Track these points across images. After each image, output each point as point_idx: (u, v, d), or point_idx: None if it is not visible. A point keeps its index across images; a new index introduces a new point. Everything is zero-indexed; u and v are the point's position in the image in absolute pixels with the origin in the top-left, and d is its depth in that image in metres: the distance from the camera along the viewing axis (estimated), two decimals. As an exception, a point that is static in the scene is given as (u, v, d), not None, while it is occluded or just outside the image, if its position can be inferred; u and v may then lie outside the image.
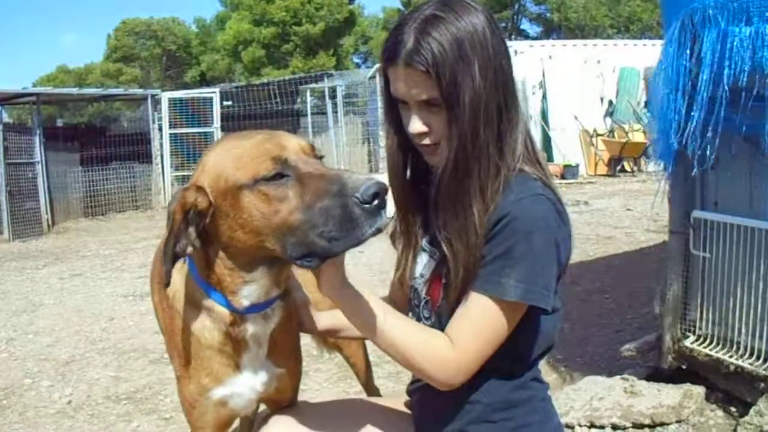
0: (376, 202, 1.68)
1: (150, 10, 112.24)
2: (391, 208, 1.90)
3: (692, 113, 3.43)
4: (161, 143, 18.22)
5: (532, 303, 1.90)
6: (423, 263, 2.19)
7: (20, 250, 13.13)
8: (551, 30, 46.00)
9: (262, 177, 1.78)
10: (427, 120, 1.97)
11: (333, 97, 19.36)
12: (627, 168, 18.95)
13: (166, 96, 18.32)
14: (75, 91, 20.33)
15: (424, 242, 2.19)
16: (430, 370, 1.94)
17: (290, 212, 1.76)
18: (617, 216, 11.70)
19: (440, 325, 2.03)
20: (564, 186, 15.74)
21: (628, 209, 12.31)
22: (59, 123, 20.42)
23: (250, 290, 1.94)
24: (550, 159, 17.37)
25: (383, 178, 1.83)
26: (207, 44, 45.38)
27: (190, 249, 1.87)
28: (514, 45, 19.01)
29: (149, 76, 43.04)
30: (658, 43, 4.98)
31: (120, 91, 22.63)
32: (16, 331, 6.92)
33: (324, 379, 5.15)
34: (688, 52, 3.45)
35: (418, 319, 2.16)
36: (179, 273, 2.04)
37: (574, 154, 18.11)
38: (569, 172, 16.79)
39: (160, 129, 18.21)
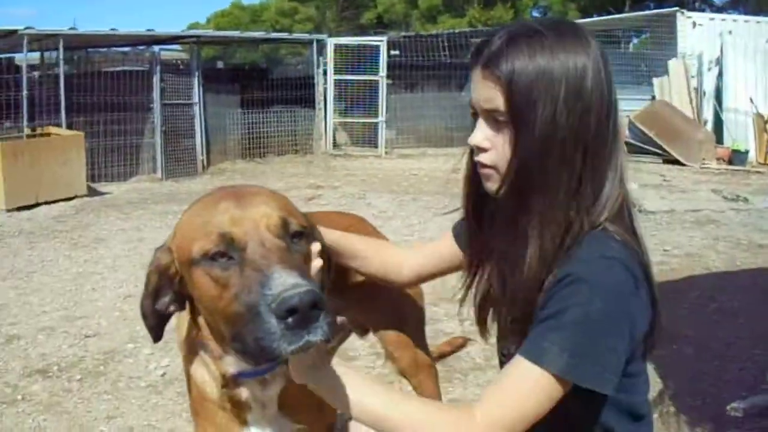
0: (290, 319, 1.46)
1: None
2: None
3: None
4: (325, 88, 17.91)
5: (575, 381, 1.67)
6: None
7: (170, 191, 13.10)
8: (738, 1, 43.08)
9: (205, 253, 1.64)
10: (492, 135, 1.82)
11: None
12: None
13: (332, 41, 17.98)
14: (236, 34, 20.36)
15: None
16: None
17: (229, 301, 1.59)
18: (781, 221, 10.25)
19: None
20: (729, 173, 14.53)
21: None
22: (219, 65, 20.34)
23: (231, 360, 1.83)
24: (719, 141, 16.10)
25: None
26: (385, -15, 44.80)
27: (172, 308, 1.80)
28: (693, 16, 17.68)
29: (325, 17, 43.06)
30: None
31: (284, 35, 22.29)
32: (137, 287, 6.57)
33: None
34: None
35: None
36: (188, 315, 1.93)
37: (746, 139, 16.74)
38: (737, 157, 15.47)
39: (325, 74, 17.88)
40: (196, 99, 15.51)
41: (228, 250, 1.62)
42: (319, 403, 1.99)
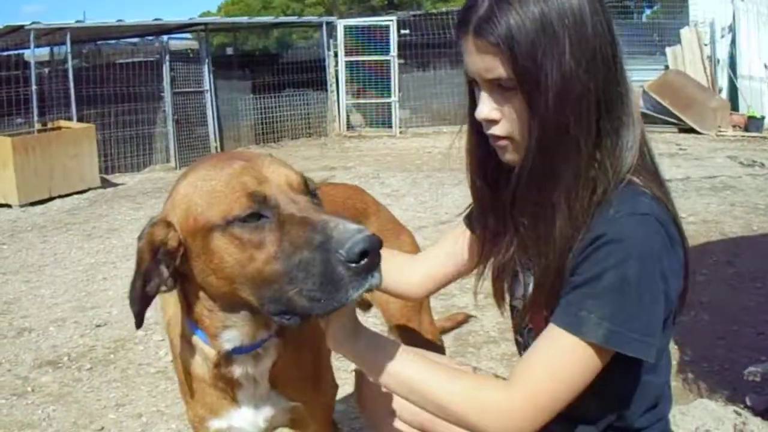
0: (363, 261, 1.45)
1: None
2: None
3: None
4: (336, 70, 17.82)
5: (618, 349, 1.60)
6: (525, 284, 1.92)
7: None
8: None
9: (235, 217, 1.58)
10: (500, 105, 1.70)
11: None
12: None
13: (341, 23, 17.85)
14: (245, 19, 20.20)
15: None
16: (484, 424, 1.65)
17: (266, 262, 1.55)
18: (798, 185, 10.10)
19: None
20: (745, 139, 14.35)
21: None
22: (228, 52, 20.29)
23: (231, 335, 1.78)
24: (735, 108, 15.85)
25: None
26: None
27: (164, 288, 1.70)
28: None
29: (335, 0, 42.98)
30: None
31: (293, 18, 22.14)
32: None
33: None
34: None
35: (526, 347, 1.85)
36: (174, 298, 1.88)
37: (762, 106, 16.52)
38: (753, 124, 15.25)
39: (336, 56, 17.79)
40: (207, 86, 15.50)
41: (261, 209, 1.57)
42: (312, 379, 2.03)
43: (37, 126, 12.07)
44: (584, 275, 1.62)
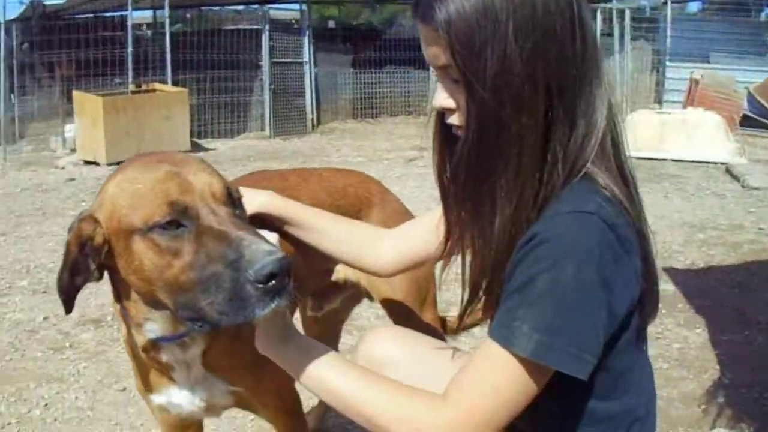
0: (271, 283, 1.48)
1: None
2: None
3: None
4: (441, 50, 17.61)
5: (546, 363, 1.44)
6: None
7: (275, 149, 13.17)
8: None
9: (155, 223, 1.60)
10: (452, 94, 1.60)
11: (621, 19, 17.78)
12: None
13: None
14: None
15: None
16: None
17: (182, 270, 1.59)
18: None
19: None
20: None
21: None
22: (330, 25, 20.31)
23: (152, 327, 1.83)
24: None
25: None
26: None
27: (91, 280, 1.73)
28: None
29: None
30: None
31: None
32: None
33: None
34: None
35: None
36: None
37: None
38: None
39: (440, 35, 17.61)
40: (306, 58, 15.59)
41: (180, 218, 1.60)
42: (252, 366, 2.00)
43: (131, 87, 12.31)
44: (518, 279, 1.49)
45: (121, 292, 1.81)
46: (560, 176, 1.53)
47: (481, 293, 1.70)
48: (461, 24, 1.47)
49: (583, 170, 1.53)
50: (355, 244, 2.14)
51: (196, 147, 12.25)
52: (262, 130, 14.85)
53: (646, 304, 1.59)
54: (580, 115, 1.54)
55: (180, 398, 2.01)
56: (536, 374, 1.46)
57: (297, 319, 2.68)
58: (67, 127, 12.08)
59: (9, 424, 3.62)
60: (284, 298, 1.53)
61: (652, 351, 4.15)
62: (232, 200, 1.73)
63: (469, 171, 1.58)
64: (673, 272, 5.68)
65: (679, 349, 4.35)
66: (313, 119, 15.90)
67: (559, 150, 1.53)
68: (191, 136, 12.27)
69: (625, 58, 17.32)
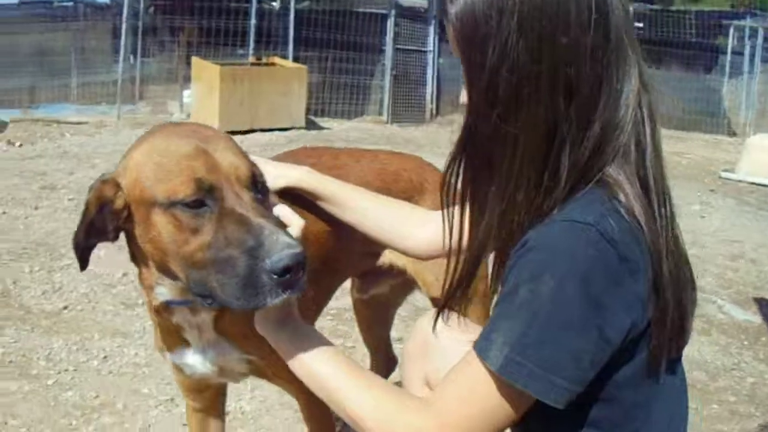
0: (285, 276, 1.51)
1: None
2: None
3: None
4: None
5: (515, 383, 1.35)
6: None
7: (389, 135, 13.02)
8: None
9: (178, 200, 1.62)
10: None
11: (755, 38, 17.08)
12: None
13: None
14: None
15: None
16: None
17: (199, 248, 1.62)
18: None
19: None
20: None
21: None
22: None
23: (162, 291, 1.86)
24: None
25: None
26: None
27: (106, 240, 1.78)
28: None
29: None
30: None
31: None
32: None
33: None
34: None
35: None
36: None
37: None
38: None
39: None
40: (430, 47, 15.45)
41: (204, 197, 1.62)
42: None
43: (251, 59, 12.46)
44: (506, 287, 1.43)
45: (136, 254, 1.84)
46: (564, 181, 1.43)
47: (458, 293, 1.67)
48: (468, 17, 1.45)
49: (599, 176, 1.43)
50: (395, 225, 2.10)
51: (311, 124, 12.28)
52: (380, 114, 14.80)
53: (654, 336, 1.42)
54: (597, 115, 1.43)
55: (193, 359, 2.04)
56: (510, 391, 1.39)
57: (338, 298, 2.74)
58: (186, 92, 12.30)
59: (66, 370, 3.71)
60: (296, 290, 1.57)
61: (722, 382, 4.03)
62: (256, 184, 1.73)
63: (466, 167, 1.56)
64: (763, 303, 5.36)
65: (753, 384, 4.10)
66: (432, 109, 15.73)
67: (564, 153, 1.43)
68: (307, 113, 12.31)
69: (754, 79, 16.64)
